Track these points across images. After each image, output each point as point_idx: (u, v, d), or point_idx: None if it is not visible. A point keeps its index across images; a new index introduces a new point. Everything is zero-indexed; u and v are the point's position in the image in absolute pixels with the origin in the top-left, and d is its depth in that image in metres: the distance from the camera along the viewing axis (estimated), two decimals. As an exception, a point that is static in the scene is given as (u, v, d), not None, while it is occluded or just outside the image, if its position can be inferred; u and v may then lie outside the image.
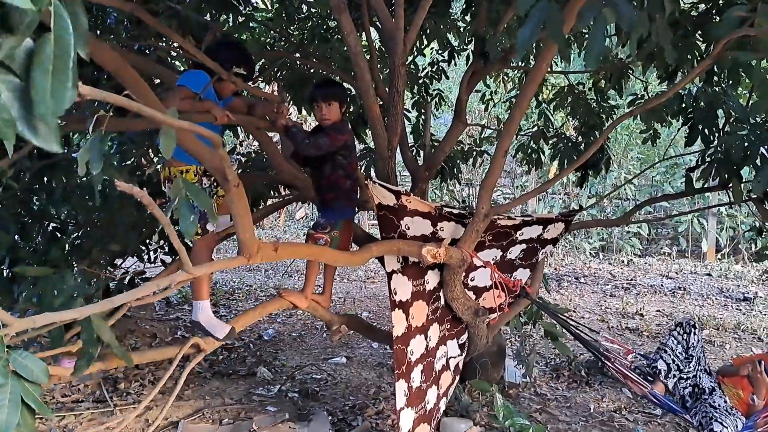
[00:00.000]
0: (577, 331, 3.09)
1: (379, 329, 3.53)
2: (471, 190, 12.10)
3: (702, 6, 3.66)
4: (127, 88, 1.65)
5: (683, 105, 3.79)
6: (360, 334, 3.90)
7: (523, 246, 3.38)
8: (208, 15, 4.08)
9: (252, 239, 1.87)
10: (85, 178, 4.73)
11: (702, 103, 3.73)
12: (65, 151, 3.90)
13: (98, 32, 3.89)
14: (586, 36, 4.88)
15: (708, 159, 3.83)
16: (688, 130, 3.83)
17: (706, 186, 3.91)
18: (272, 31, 5.08)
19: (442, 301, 3.19)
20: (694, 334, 3.48)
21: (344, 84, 3.35)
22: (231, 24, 4.09)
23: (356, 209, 2.93)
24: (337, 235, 2.67)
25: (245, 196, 1.83)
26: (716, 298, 7.35)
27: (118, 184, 1.39)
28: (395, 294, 2.83)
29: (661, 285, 7.89)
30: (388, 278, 2.83)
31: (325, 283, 2.99)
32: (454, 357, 3.43)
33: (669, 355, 3.47)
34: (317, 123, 2.80)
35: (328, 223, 2.68)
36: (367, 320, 5.97)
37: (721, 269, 9.07)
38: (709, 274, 8.73)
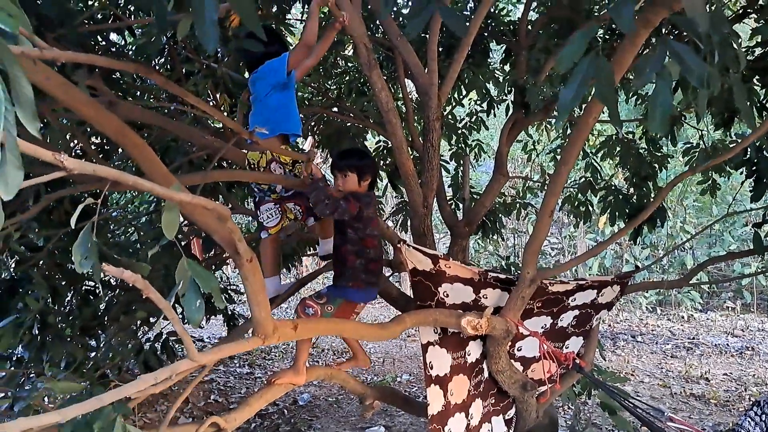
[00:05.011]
0: (638, 411, 2.72)
1: (416, 402, 3.24)
2: (517, 239, 11.67)
3: (758, 50, 3.40)
4: (130, 155, 1.52)
5: (746, 156, 3.45)
6: (396, 407, 3.61)
7: (576, 312, 3.07)
8: (246, 73, 4.07)
9: (267, 318, 1.68)
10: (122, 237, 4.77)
11: (766, 153, 3.42)
12: (104, 210, 3.87)
13: (138, 93, 3.90)
14: (633, 84, 4.65)
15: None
16: (753, 183, 3.50)
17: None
18: (309, 87, 5.05)
19: (486, 374, 2.89)
20: (778, 415, 3.03)
21: (367, 152, 3.14)
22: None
23: (372, 292, 2.52)
24: (331, 311, 2.34)
25: (260, 271, 1.64)
26: (791, 360, 6.69)
27: (106, 268, 1.23)
28: (431, 368, 2.56)
29: (727, 344, 7.25)
30: (423, 351, 2.57)
31: (351, 345, 2.74)
32: (501, 435, 3.10)
33: (748, 440, 3.02)
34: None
35: (326, 296, 2.39)
36: (407, 383, 5.66)
37: (792, 325, 8.34)
38: (780, 331, 8.02)
